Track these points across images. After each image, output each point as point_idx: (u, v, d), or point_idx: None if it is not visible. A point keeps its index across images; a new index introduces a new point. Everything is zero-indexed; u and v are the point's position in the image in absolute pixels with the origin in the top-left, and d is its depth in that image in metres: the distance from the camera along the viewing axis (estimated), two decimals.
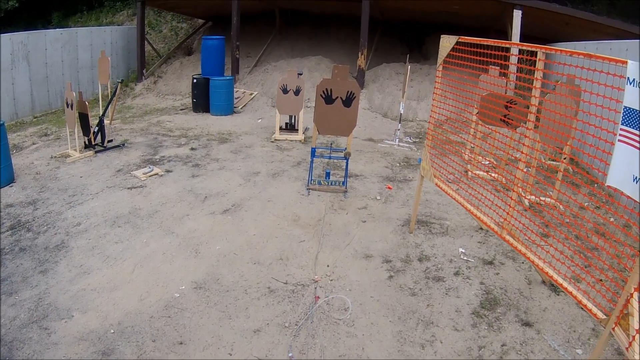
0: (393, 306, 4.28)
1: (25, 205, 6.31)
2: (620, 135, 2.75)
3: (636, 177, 2.65)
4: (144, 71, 15.36)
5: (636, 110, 2.64)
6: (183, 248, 5.24)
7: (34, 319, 4.10)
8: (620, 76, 2.74)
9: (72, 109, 7.99)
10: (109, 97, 9.53)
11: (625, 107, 2.70)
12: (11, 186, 6.94)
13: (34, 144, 9.46)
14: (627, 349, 2.69)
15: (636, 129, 2.65)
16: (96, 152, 8.44)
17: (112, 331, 3.95)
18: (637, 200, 2.64)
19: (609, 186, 2.86)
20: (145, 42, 15.83)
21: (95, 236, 5.51)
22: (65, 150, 8.51)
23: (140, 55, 15.17)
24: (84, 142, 8.54)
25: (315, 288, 4.52)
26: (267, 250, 5.19)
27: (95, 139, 8.55)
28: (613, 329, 2.84)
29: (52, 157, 8.29)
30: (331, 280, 4.66)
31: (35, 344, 3.80)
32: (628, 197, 2.71)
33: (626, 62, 2.67)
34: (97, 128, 8.55)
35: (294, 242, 5.37)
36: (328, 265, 4.90)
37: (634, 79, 2.64)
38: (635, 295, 2.72)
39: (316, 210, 6.15)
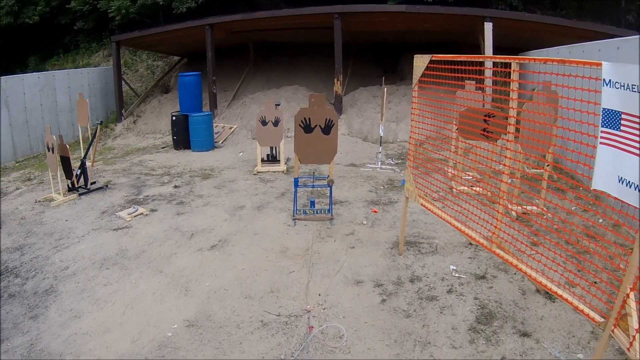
0: (388, 330, 4.23)
1: (12, 251, 6.23)
2: (601, 137, 2.75)
3: (621, 178, 2.66)
4: (123, 111, 15.37)
5: (615, 110, 2.65)
6: (172, 287, 5.16)
7: None
8: (595, 79, 2.75)
9: (53, 153, 7.94)
10: (90, 139, 9.49)
11: (604, 108, 2.71)
12: None
13: (17, 189, 9.37)
14: (628, 349, 2.68)
15: (616, 130, 2.65)
16: (80, 194, 8.35)
17: None
18: (624, 201, 2.65)
19: (594, 190, 2.86)
20: (123, 82, 15.86)
21: (83, 279, 5.42)
22: (49, 194, 8.41)
23: (118, 96, 15.21)
24: (67, 185, 8.46)
25: (309, 318, 4.45)
26: (257, 283, 5.13)
27: (78, 182, 8.46)
28: (612, 330, 2.83)
29: (36, 202, 8.22)
30: (324, 309, 4.60)
31: None
32: (615, 198, 2.71)
33: (601, 64, 2.68)
34: (79, 171, 8.49)
35: (284, 273, 5.31)
36: (319, 294, 4.84)
37: (609, 80, 2.65)
38: (632, 295, 2.72)
39: (304, 240, 6.11)
